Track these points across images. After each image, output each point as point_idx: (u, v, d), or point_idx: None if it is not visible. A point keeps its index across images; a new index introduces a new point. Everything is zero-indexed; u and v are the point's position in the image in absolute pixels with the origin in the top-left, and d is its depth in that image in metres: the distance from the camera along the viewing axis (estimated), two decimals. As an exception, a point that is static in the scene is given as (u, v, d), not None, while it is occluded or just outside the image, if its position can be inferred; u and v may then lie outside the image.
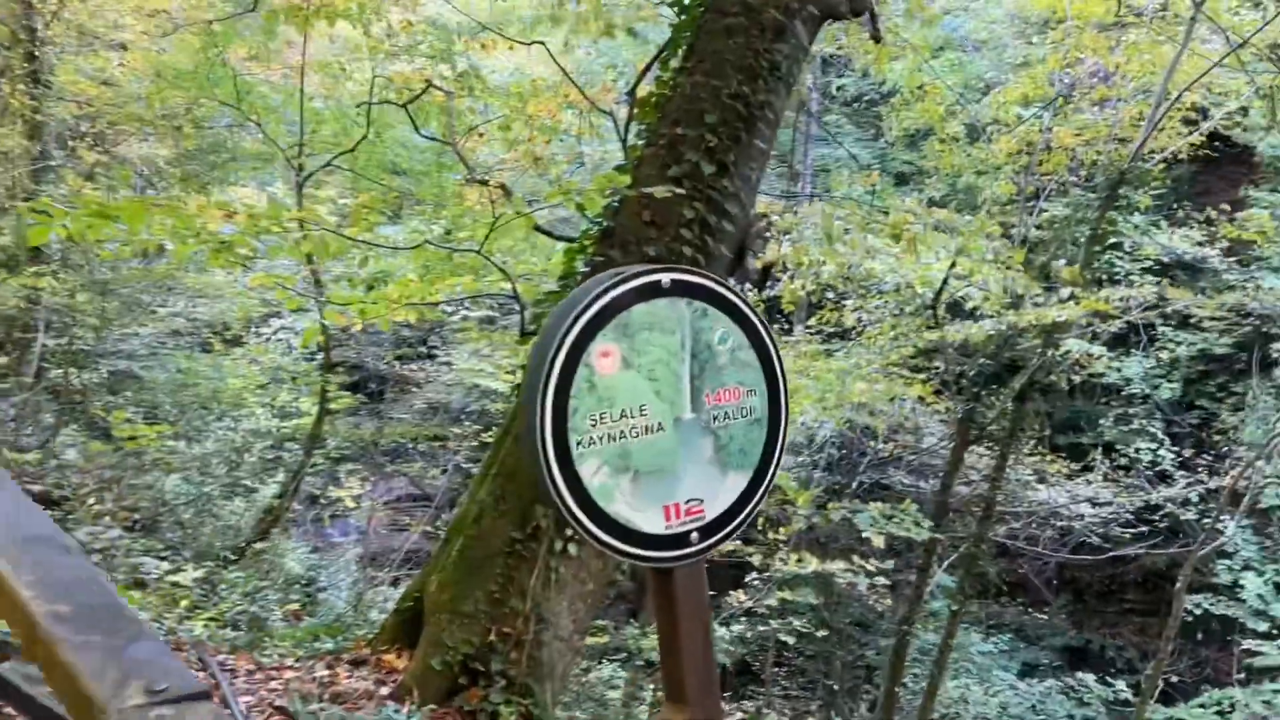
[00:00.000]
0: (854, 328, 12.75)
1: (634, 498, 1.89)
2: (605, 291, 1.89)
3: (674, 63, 5.81)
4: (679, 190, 5.02)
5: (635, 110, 5.81)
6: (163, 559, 8.14)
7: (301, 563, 12.62)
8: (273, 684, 4.71)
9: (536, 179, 10.82)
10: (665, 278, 1.95)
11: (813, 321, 13.86)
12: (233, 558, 9.33)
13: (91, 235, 4.59)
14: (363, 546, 15.05)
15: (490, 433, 12.54)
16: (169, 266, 10.55)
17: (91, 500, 8.85)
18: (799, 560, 8.58)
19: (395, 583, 13.61)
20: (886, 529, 8.88)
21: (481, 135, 10.77)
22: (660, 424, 1.95)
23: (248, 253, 5.75)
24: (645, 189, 5.09)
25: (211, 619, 5.79)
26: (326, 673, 4.90)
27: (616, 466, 1.89)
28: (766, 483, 2.15)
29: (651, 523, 1.95)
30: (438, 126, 8.62)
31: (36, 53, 11.86)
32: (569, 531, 5.04)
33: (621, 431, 1.88)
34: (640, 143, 5.64)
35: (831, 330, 13.58)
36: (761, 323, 2.12)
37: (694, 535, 2.07)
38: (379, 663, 5.04)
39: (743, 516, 2.12)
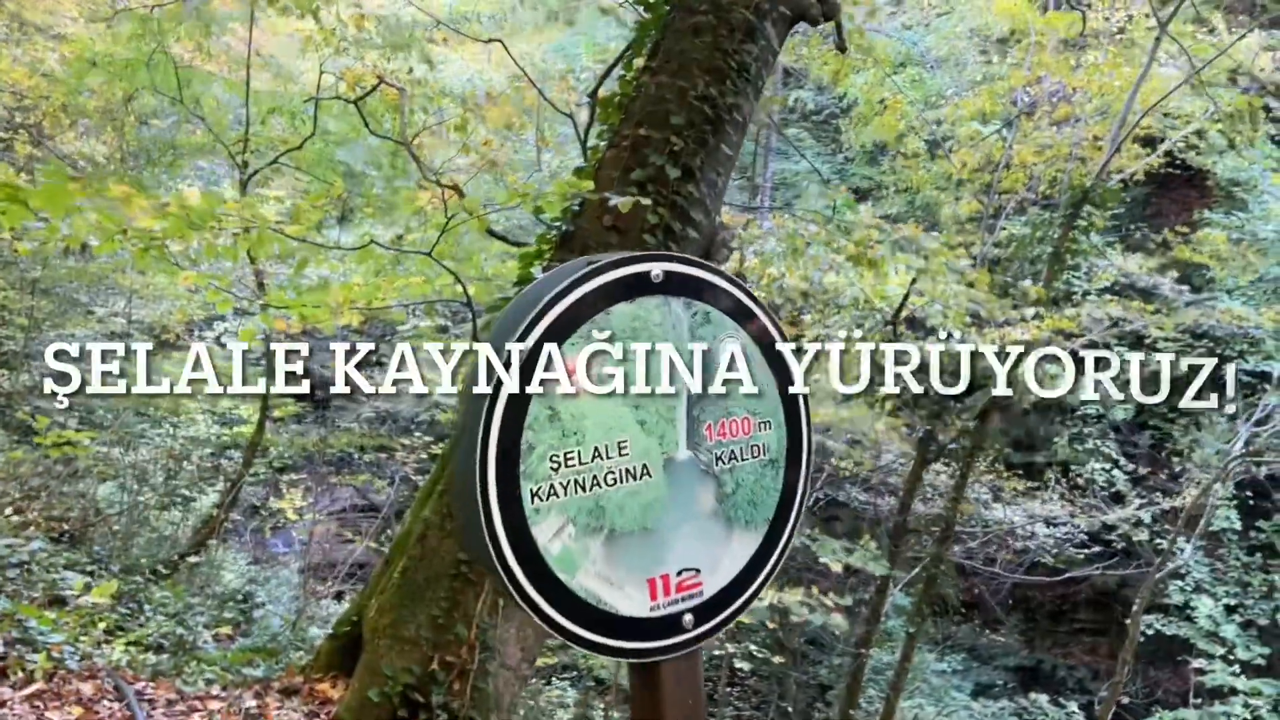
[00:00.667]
0: (814, 340, 12.58)
1: (608, 567, 1.37)
2: (575, 285, 1.38)
3: (639, 62, 5.57)
4: (644, 200, 4.76)
5: (598, 111, 5.55)
6: (88, 573, 7.68)
7: (240, 576, 12.14)
8: (195, 716, 4.36)
9: (492, 184, 10.52)
10: (656, 269, 1.48)
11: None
12: (164, 572, 8.88)
13: (6, 222, 4.22)
14: (304, 559, 14.56)
15: (441, 444, 12.18)
16: (105, 266, 10.07)
17: (10, 510, 8.36)
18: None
19: (339, 597, 13.17)
20: (846, 560, 8.63)
21: (433, 134, 10.44)
22: (646, 467, 1.41)
23: (180, 249, 5.40)
24: (608, 193, 4.84)
25: (133, 642, 5.39)
26: (254, 703, 4.55)
27: (586, 526, 1.36)
28: (783, 545, 1.60)
29: (632, 602, 1.43)
30: (393, 127, 8.30)
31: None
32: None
33: (594, 477, 1.36)
34: (602, 144, 5.38)
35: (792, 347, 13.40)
36: (779, 332, 1.63)
37: (687, 618, 1.54)
38: (312, 692, 4.70)
39: (752, 591, 1.56)
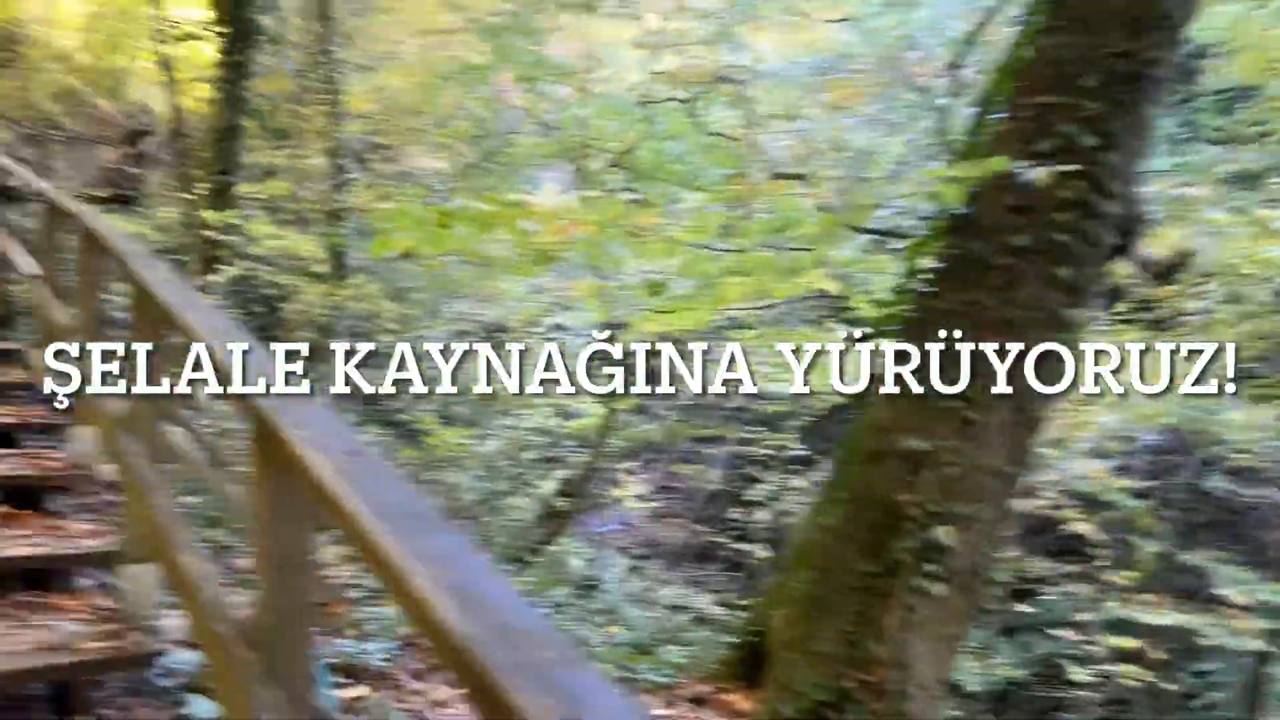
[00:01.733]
0: (1180, 315, 11.24)
1: None
2: None
3: (1033, 21, 5.04)
4: (1062, 168, 4.28)
5: (994, 79, 5.10)
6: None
7: (584, 563, 12.67)
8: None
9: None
10: None
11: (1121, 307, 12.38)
12: (527, 561, 9.36)
13: (433, 248, 4.43)
14: (636, 544, 14.99)
15: (766, 431, 12.01)
16: (464, 274, 10.78)
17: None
18: (1154, 604, 7.44)
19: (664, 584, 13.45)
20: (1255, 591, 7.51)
21: (755, 124, 10.26)
22: None
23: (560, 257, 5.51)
24: (1017, 168, 4.40)
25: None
26: (668, 711, 4.56)
27: None
28: None
29: None
30: (741, 123, 8.20)
31: (335, 75, 12.50)
32: (931, 567, 4.44)
33: None
34: (1002, 116, 4.92)
35: (1148, 317, 12.07)
36: None
37: None
38: (721, 704, 4.65)
39: None
